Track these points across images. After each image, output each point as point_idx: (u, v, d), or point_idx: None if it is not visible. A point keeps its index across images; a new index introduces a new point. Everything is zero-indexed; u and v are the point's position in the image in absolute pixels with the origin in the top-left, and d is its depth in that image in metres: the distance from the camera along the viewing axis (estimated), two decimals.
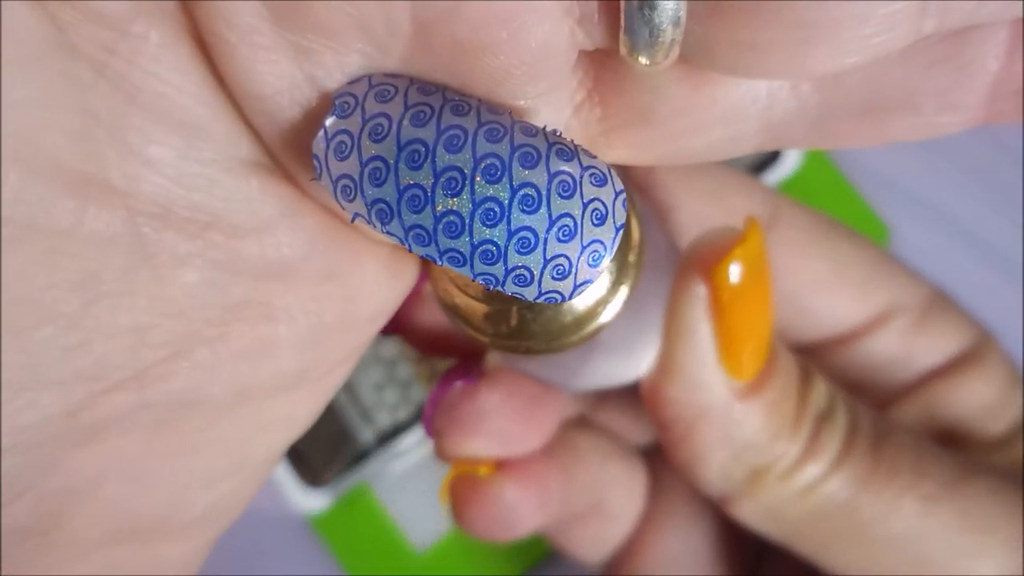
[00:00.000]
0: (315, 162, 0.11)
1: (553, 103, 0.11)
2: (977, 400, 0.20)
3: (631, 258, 0.15)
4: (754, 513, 0.18)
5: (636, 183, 0.19)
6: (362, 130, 0.10)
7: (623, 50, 0.10)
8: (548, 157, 0.10)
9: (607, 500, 0.21)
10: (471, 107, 0.11)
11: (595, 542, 0.21)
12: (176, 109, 0.11)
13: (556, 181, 0.10)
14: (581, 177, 0.11)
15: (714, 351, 0.16)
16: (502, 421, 0.18)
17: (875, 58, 0.10)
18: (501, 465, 0.19)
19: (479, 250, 0.10)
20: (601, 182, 0.11)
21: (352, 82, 0.11)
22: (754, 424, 0.17)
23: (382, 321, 0.14)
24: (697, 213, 0.19)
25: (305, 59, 0.10)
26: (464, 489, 0.19)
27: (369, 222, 0.11)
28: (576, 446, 0.20)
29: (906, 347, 0.20)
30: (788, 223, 0.20)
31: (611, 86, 0.12)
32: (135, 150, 0.11)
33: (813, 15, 0.09)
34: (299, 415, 0.14)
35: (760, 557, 0.22)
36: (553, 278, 0.11)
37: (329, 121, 0.11)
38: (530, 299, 0.11)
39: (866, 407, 0.18)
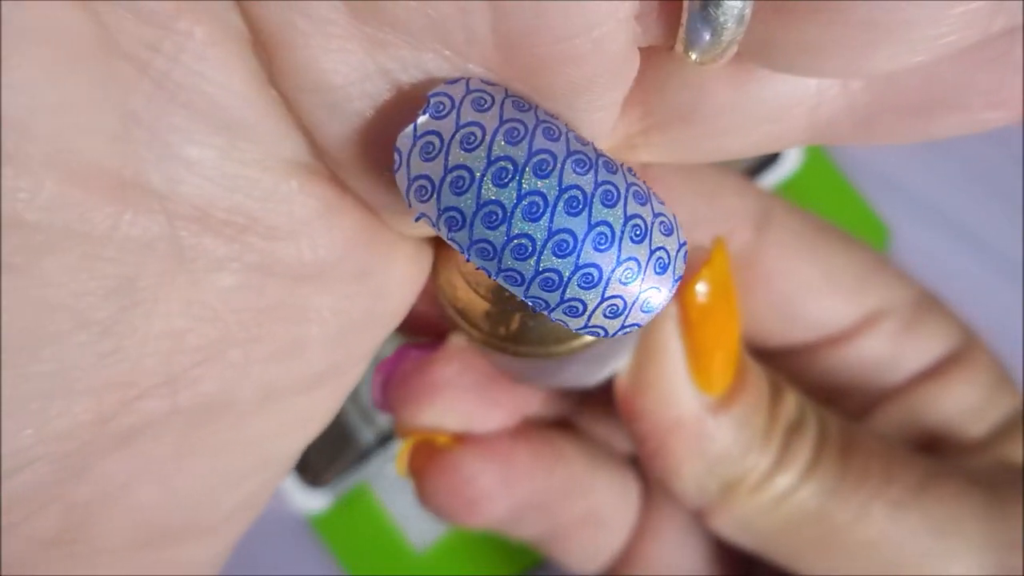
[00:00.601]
0: (396, 156, 0.11)
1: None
2: (960, 403, 0.20)
3: None
4: (728, 525, 0.18)
5: None
6: (454, 136, 0.10)
7: (679, 48, 0.10)
8: (626, 198, 0.11)
9: (600, 508, 0.21)
10: (561, 132, 0.11)
11: (590, 552, 0.21)
12: (219, 108, 0.11)
13: (631, 224, 0.10)
14: (652, 223, 0.11)
15: (685, 367, 0.17)
16: (458, 394, 0.18)
17: (940, 57, 0.10)
18: (461, 438, 0.19)
19: (542, 276, 0.10)
20: (669, 231, 0.11)
21: (450, 82, 0.10)
22: (726, 437, 0.17)
23: (404, 313, 0.14)
24: (691, 213, 0.19)
25: (380, 51, 0.10)
26: (422, 458, 0.19)
27: (434, 225, 0.11)
28: (558, 446, 0.20)
29: (894, 349, 0.21)
30: (780, 225, 0.20)
31: (653, 83, 0.11)
32: (175, 151, 0.11)
33: (883, 15, 0.09)
34: (320, 411, 0.14)
35: (750, 561, 0.22)
36: (605, 315, 0.11)
37: (421, 119, 0.10)
38: (573, 329, 0.11)
39: (835, 415, 0.19)
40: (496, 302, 0.15)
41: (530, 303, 0.11)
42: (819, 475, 0.17)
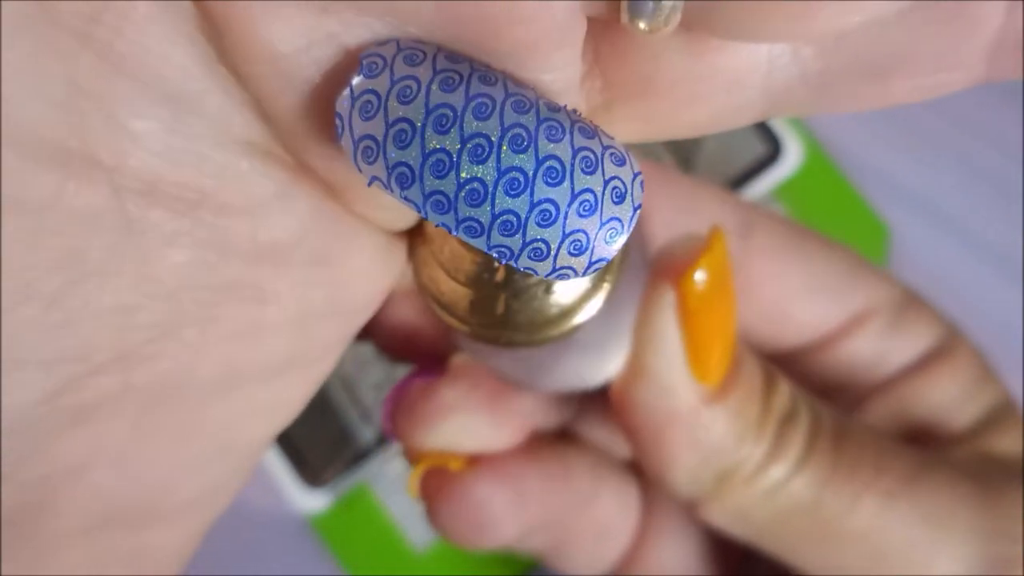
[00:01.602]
0: (337, 121, 0.11)
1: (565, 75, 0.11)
2: (944, 395, 0.21)
3: (616, 256, 0.15)
4: (722, 515, 0.18)
5: None
6: (390, 91, 0.10)
7: (624, 17, 0.10)
8: (572, 132, 0.10)
9: (604, 518, 0.21)
10: (497, 78, 0.11)
11: (593, 561, 0.21)
12: (164, 81, 0.11)
13: (580, 156, 0.10)
14: (602, 155, 0.11)
15: (683, 356, 0.17)
16: (465, 416, 0.18)
17: (880, 16, 0.10)
18: (473, 461, 0.19)
19: (499, 220, 0.10)
20: (621, 162, 0.11)
21: (380, 43, 0.11)
22: (720, 428, 0.17)
23: (371, 310, 0.14)
24: (671, 222, 0.19)
25: (325, 16, 0.10)
26: (433, 483, 0.19)
27: (387, 187, 0.11)
28: (566, 460, 0.20)
29: (881, 347, 0.21)
30: (763, 232, 0.20)
31: (611, 57, 0.12)
32: (121, 123, 0.11)
33: None
34: (288, 401, 0.14)
35: (748, 560, 0.22)
36: (570, 253, 0.11)
37: (356, 80, 0.10)
38: (542, 275, 0.11)
39: (828, 407, 0.19)
40: (478, 288, 0.15)
41: (495, 255, 0.11)
42: (812, 466, 0.17)
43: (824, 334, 0.21)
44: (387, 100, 0.10)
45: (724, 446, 0.17)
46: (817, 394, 0.20)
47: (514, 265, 0.11)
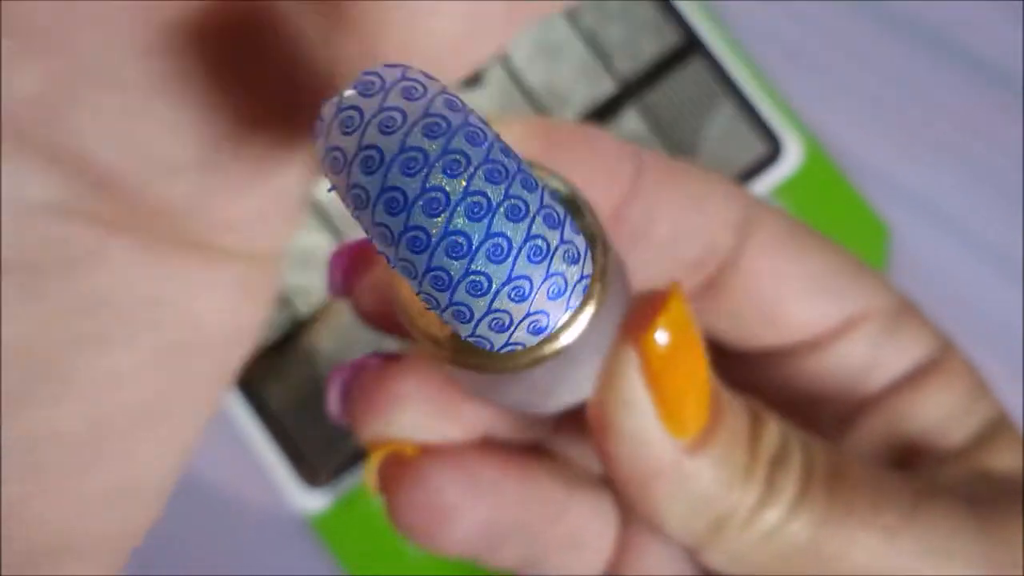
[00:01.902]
0: (319, 122, 0.11)
1: None
2: (939, 409, 0.20)
3: (594, 287, 0.15)
4: (720, 562, 0.18)
5: (620, 195, 0.19)
6: (375, 115, 0.10)
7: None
8: (535, 217, 0.11)
9: (578, 529, 0.20)
10: (486, 139, 0.11)
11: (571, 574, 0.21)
12: None
13: (531, 243, 0.10)
14: (556, 248, 0.11)
15: (655, 417, 0.16)
16: (419, 405, 0.18)
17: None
18: (429, 451, 0.19)
19: (433, 273, 0.10)
20: (574, 260, 0.11)
21: (388, 65, 0.11)
22: (707, 477, 0.17)
23: (243, 345, 0.14)
24: (677, 224, 0.19)
25: None
26: (390, 472, 0.18)
27: (344, 200, 0.11)
28: (529, 464, 0.20)
29: (875, 353, 0.21)
30: (764, 229, 0.20)
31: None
32: None
33: None
34: (178, 437, 0.14)
35: None
36: (490, 327, 0.11)
37: (347, 92, 0.10)
38: (462, 336, 0.11)
39: (820, 440, 0.19)
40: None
41: (422, 298, 0.11)
42: (808, 506, 0.17)
43: (818, 333, 0.21)
44: (368, 123, 0.10)
45: (713, 494, 0.17)
46: (809, 402, 0.20)
47: (439, 314, 0.11)
